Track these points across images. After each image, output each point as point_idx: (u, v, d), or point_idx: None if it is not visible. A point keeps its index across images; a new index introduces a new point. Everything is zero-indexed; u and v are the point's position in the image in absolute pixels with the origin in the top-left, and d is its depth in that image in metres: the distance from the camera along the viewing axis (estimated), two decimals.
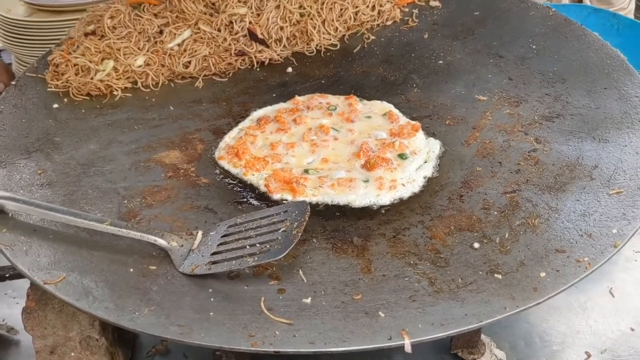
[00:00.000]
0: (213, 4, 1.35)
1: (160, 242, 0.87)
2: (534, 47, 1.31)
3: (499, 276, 0.80)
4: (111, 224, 0.88)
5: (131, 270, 0.84)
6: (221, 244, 0.87)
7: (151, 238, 0.87)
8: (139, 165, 1.07)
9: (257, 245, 0.84)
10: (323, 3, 1.39)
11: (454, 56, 1.33)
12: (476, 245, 0.86)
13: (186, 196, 1.00)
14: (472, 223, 0.91)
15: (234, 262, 0.82)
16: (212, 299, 0.79)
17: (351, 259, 0.86)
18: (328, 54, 1.38)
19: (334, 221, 0.93)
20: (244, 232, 0.87)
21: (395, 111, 1.17)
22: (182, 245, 0.87)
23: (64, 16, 1.80)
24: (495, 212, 0.92)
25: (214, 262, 0.83)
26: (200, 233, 0.90)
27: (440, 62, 1.32)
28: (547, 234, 0.87)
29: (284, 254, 0.80)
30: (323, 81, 1.30)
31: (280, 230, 0.84)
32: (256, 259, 0.81)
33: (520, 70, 1.26)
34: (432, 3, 1.49)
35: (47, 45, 1.72)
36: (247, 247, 0.84)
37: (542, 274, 0.79)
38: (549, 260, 0.82)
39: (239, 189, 1.02)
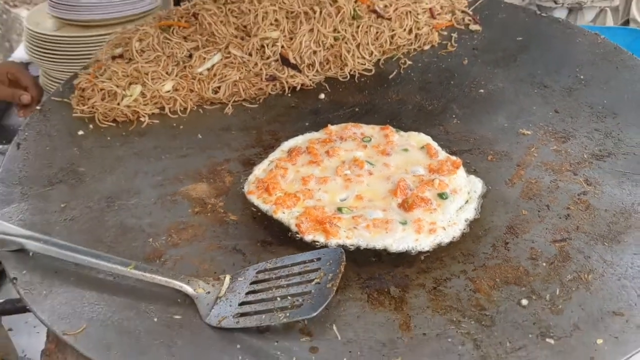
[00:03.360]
0: (244, 27, 1.31)
1: (187, 288, 0.82)
2: (581, 77, 1.25)
3: (551, 341, 0.73)
4: (135, 267, 0.83)
5: (155, 319, 0.79)
6: (250, 292, 0.81)
7: (177, 284, 0.82)
8: (165, 199, 1.02)
9: (289, 297, 0.78)
10: (358, 26, 1.34)
11: (496, 85, 1.27)
12: (524, 302, 0.80)
13: (213, 235, 0.95)
14: (519, 275, 0.84)
15: (263, 316, 0.77)
16: (240, 357, 0.74)
17: (389, 313, 0.80)
18: (362, 79, 1.33)
19: (369, 267, 0.88)
20: (274, 281, 0.82)
21: (434, 144, 1.11)
22: (209, 292, 0.82)
23: (92, 31, 1.78)
24: (544, 264, 0.86)
25: (242, 314, 0.78)
26: (227, 278, 0.85)
27: (481, 90, 1.26)
28: (602, 293, 0.80)
29: (317, 312, 0.74)
30: (357, 109, 1.25)
31: (313, 282, 0.79)
32: (288, 315, 0.76)
33: (567, 102, 1.19)
34: (472, 27, 1.42)
35: (74, 60, 1.72)
36: (278, 298, 0.79)
37: (599, 341, 0.73)
38: (605, 325, 0.75)
39: (268, 228, 0.96)
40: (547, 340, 0.74)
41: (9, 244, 0.87)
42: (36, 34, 1.80)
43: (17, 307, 1.08)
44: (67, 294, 0.83)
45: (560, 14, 1.88)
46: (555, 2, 1.83)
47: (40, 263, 0.87)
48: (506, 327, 0.76)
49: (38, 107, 1.24)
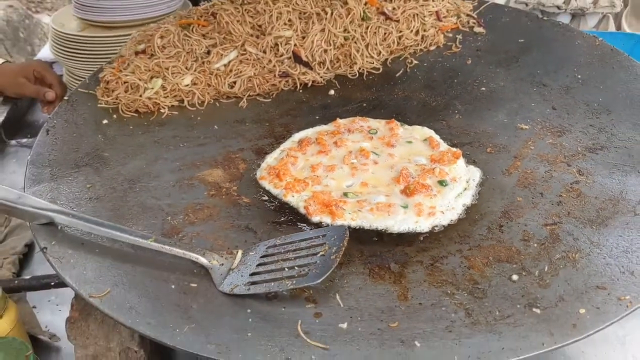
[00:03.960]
0: (259, 26, 1.38)
1: (202, 260, 0.89)
2: (579, 76, 1.30)
3: (538, 310, 0.79)
4: (155, 240, 0.90)
5: (173, 286, 0.86)
6: (260, 264, 0.88)
7: (193, 256, 0.89)
8: (183, 182, 1.09)
9: (296, 268, 0.85)
10: (367, 27, 1.40)
11: (497, 83, 1.33)
12: (515, 277, 0.86)
13: (227, 215, 1.02)
14: (511, 254, 0.90)
15: (272, 283, 0.83)
16: (250, 320, 0.80)
17: (388, 286, 0.86)
18: (370, 77, 1.40)
19: (371, 246, 0.94)
20: (283, 254, 0.89)
21: (436, 137, 1.18)
22: (222, 264, 0.89)
23: (114, 32, 1.86)
24: (535, 245, 0.92)
25: (253, 283, 0.85)
26: (240, 252, 0.91)
27: (483, 89, 1.32)
28: (587, 269, 0.86)
29: (322, 279, 0.81)
30: (364, 104, 1.31)
31: (318, 254, 0.86)
32: (294, 282, 0.82)
33: (565, 99, 1.25)
34: (476, 29, 1.49)
35: (97, 60, 1.79)
36: (286, 269, 0.85)
37: (582, 311, 0.78)
38: (589, 297, 0.81)
39: (278, 210, 1.03)
40: (534, 309, 0.80)
41: (39, 217, 0.95)
42: (61, 34, 1.89)
43: (42, 284, 1.14)
44: (92, 263, 0.90)
45: (563, 20, 1.94)
46: (559, 8, 1.89)
47: (68, 235, 0.95)
48: (496, 299, 0.82)
49: (66, 98, 1.32)
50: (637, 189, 1.00)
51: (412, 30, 1.44)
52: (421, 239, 0.95)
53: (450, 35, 1.49)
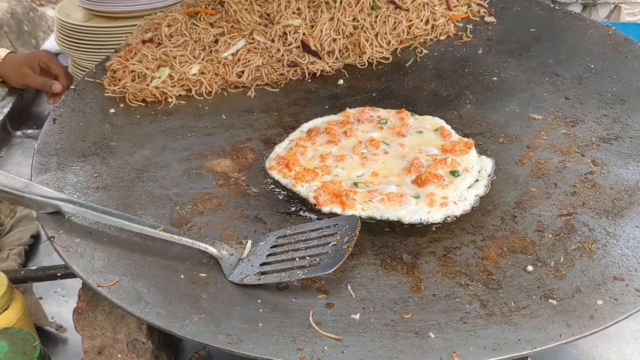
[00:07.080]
0: (268, 15, 1.37)
1: (211, 250, 0.87)
2: (592, 66, 1.29)
3: (554, 302, 0.78)
4: (164, 230, 0.89)
5: (182, 276, 0.85)
6: (270, 254, 0.87)
7: (202, 245, 0.88)
8: (191, 172, 1.08)
9: (307, 258, 0.83)
10: (377, 16, 1.39)
11: (509, 73, 1.31)
12: (530, 268, 0.84)
13: (236, 205, 1.00)
14: (525, 245, 0.89)
15: (283, 273, 0.82)
16: (260, 310, 0.79)
17: (400, 277, 0.85)
18: (380, 67, 1.38)
19: (383, 237, 0.92)
20: (293, 244, 0.87)
21: (447, 127, 1.16)
22: (232, 254, 0.88)
23: (120, 22, 1.85)
24: (550, 235, 0.90)
25: (263, 273, 0.84)
26: (249, 242, 0.90)
27: (495, 78, 1.30)
28: (604, 260, 0.84)
29: (334, 269, 0.80)
30: (374, 94, 1.30)
31: (330, 244, 0.84)
32: (306, 272, 0.81)
33: (577, 89, 1.23)
34: (487, 19, 1.47)
35: (102, 50, 1.78)
36: (297, 259, 0.84)
37: (600, 302, 0.77)
38: (606, 288, 0.79)
39: (288, 200, 1.02)
40: (550, 301, 0.78)
41: (46, 206, 0.94)
42: (67, 24, 1.88)
43: (48, 274, 1.13)
44: (100, 252, 0.89)
45: (575, 9, 1.92)
46: None
47: (75, 225, 0.93)
48: (511, 290, 0.81)
49: (72, 87, 1.31)
50: None
51: (422, 20, 1.43)
52: (433, 229, 0.94)
53: (461, 24, 1.47)
